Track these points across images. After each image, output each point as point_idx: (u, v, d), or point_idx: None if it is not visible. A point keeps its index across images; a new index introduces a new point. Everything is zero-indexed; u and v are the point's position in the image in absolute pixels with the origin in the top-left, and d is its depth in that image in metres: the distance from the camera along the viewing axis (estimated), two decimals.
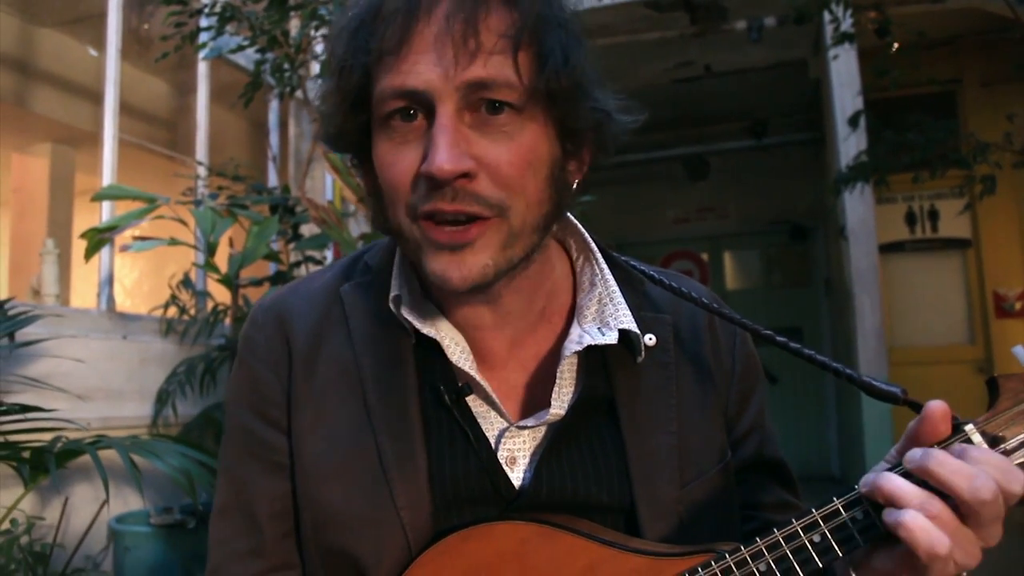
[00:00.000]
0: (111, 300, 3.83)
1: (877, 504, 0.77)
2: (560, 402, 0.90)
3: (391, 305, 0.92)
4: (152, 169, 4.90)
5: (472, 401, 0.92)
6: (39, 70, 4.71)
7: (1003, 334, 7.49)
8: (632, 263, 1.03)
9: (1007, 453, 0.77)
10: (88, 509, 3.21)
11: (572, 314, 0.97)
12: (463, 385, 0.91)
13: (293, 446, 0.94)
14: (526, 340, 0.96)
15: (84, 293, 4.34)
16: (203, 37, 3.72)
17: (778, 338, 0.94)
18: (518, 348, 0.96)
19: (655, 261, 9.64)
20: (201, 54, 4.01)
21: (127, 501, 3.13)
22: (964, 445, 0.76)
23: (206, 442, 3.35)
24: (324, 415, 0.93)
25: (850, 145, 5.82)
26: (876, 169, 5.19)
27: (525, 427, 0.92)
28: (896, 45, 5.38)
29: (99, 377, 3.34)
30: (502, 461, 0.91)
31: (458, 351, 0.91)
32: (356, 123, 0.86)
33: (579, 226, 1.00)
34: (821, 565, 0.78)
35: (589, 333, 0.92)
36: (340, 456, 0.91)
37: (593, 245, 1.00)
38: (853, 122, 5.14)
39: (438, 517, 0.88)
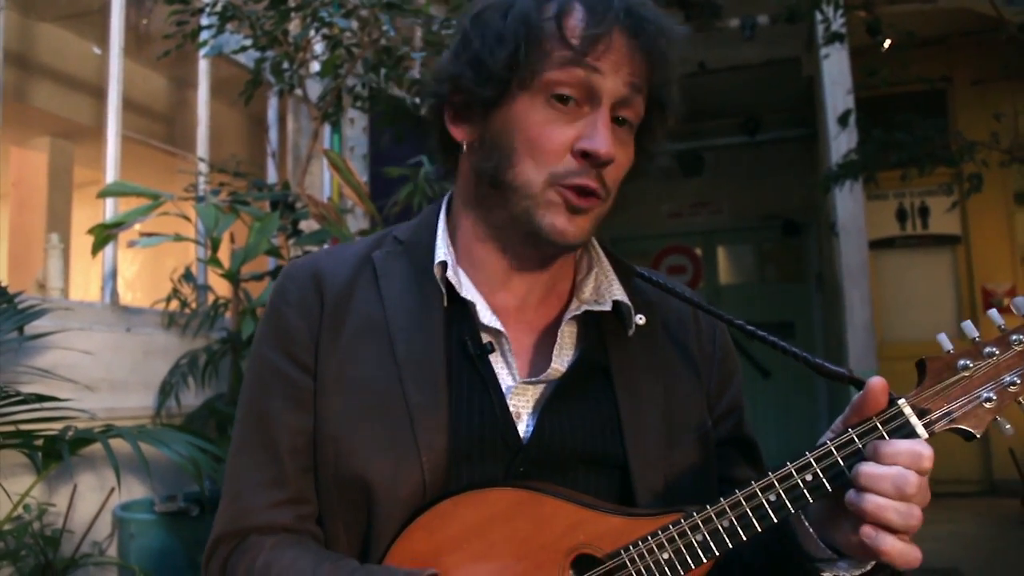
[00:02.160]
0: (115, 294, 3.90)
1: (827, 467, 0.91)
2: (561, 360, 1.04)
3: (436, 271, 1.05)
4: (152, 164, 4.96)
5: (492, 359, 1.03)
6: (38, 65, 4.76)
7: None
8: (626, 262, 1.16)
9: (931, 423, 0.92)
10: (92, 497, 3.28)
11: (573, 292, 1.11)
12: (487, 343, 1.03)
13: (317, 389, 1.02)
14: (540, 310, 1.09)
15: (82, 286, 4.40)
16: (204, 35, 3.78)
17: (746, 327, 1.08)
18: (529, 313, 1.09)
19: (649, 255, 9.75)
20: (202, 52, 4.06)
21: (131, 489, 3.21)
22: (877, 443, 0.89)
23: (208, 432, 3.42)
24: (351, 363, 1.02)
25: (841, 143, 5.91)
26: (865, 167, 5.28)
27: (529, 383, 1.03)
28: (888, 43, 5.46)
29: (104, 369, 3.41)
30: (511, 413, 1.01)
31: (488, 312, 1.03)
32: (503, 84, 1.00)
33: None
34: (776, 519, 0.91)
35: (587, 304, 1.07)
36: (369, 399, 1.00)
37: (592, 237, 1.12)
38: (843, 121, 5.22)
39: (452, 461, 0.97)
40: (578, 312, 1.05)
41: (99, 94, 4.33)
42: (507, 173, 1.00)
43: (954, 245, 7.81)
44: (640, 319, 1.08)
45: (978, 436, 0.92)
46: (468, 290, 1.04)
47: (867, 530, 0.86)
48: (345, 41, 3.63)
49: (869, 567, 0.93)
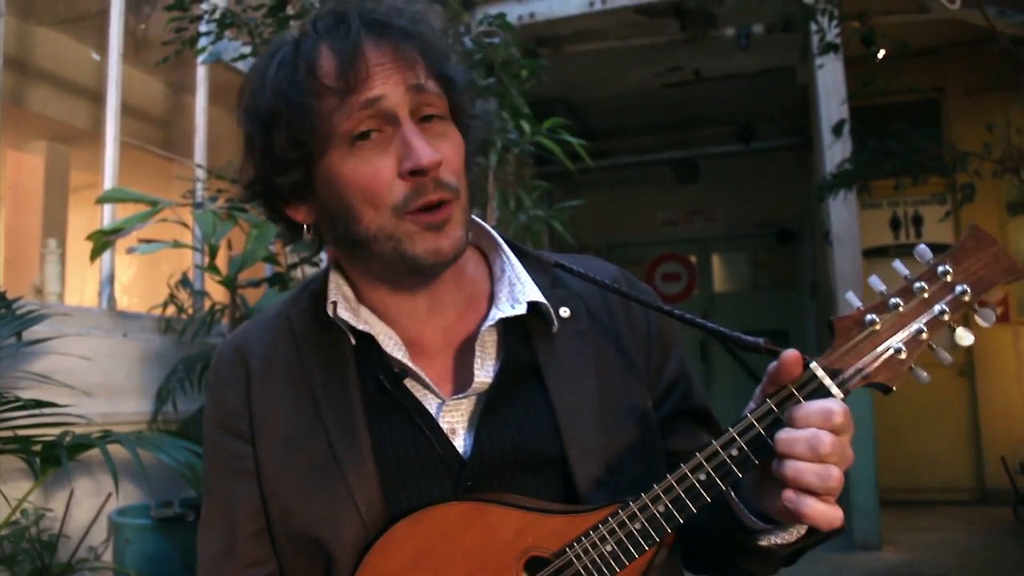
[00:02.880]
0: (112, 299, 3.91)
1: (751, 440, 0.92)
2: (484, 371, 1.05)
3: (328, 310, 1.06)
4: (149, 169, 4.97)
5: (410, 385, 1.05)
6: (35, 69, 4.77)
7: (984, 339, 7.62)
8: (544, 254, 1.17)
9: (845, 381, 0.92)
10: (88, 502, 3.29)
11: (491, 302, 1.12)
12: (399, 371, 1.04)
13: (257, 453, 1.07)
14: (457, 327, 1.10)
15: (77, 290, 4.41)
16: (202, 42, 3.80)
17: (675, 312, 1.11)
18: (450, 335, 1.10)
19: (644, 263, 9.77)
20: (200, 59, 4.08)
21: (127, 495, 3.22)
22: (791, 408, 0.90)
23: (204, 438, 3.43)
24: (280, 419, 1.06)
25: (835, 152, 5.94)
26: (859, 176, 5.31)
27: (458, 399, 1.05)
28: (882, 52, 5.50)
29: (101, 374, 3.42)
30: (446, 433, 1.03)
31: (391, 343, 1.05)
32: (305, 160, 1.00)
33: (487, 227, 1.16)
34: (708, 498, 0.92)
35: (501, 310, 1.07)
36: (296, 452, 1.04)
37: (500, 241, 1.15)
38: (837, 131, 5.26)
39: (387, 493, 1.00)
40: (492, 322, 1.06)
41: (96, 98, 4.34)
42: (357, 229, 1.00)
43: None
44: (565, 311, 1.09)
45: (894, 389, 0.93)
46: (365, 323, 1.06)
47: (788, 494, 0.87)
48: None
49: (802, 532, 0.95)
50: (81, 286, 4.40)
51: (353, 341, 1.07)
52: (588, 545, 0.94)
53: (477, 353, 1.06)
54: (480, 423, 1.03)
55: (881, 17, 5.59)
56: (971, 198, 5.06)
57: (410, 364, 1.04)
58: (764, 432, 0.92)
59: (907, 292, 0.94)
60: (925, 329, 0.93)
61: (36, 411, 2.47)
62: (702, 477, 0.92)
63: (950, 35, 6.85)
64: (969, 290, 0.93)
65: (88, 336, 3.48)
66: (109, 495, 3.17)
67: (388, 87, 0.97)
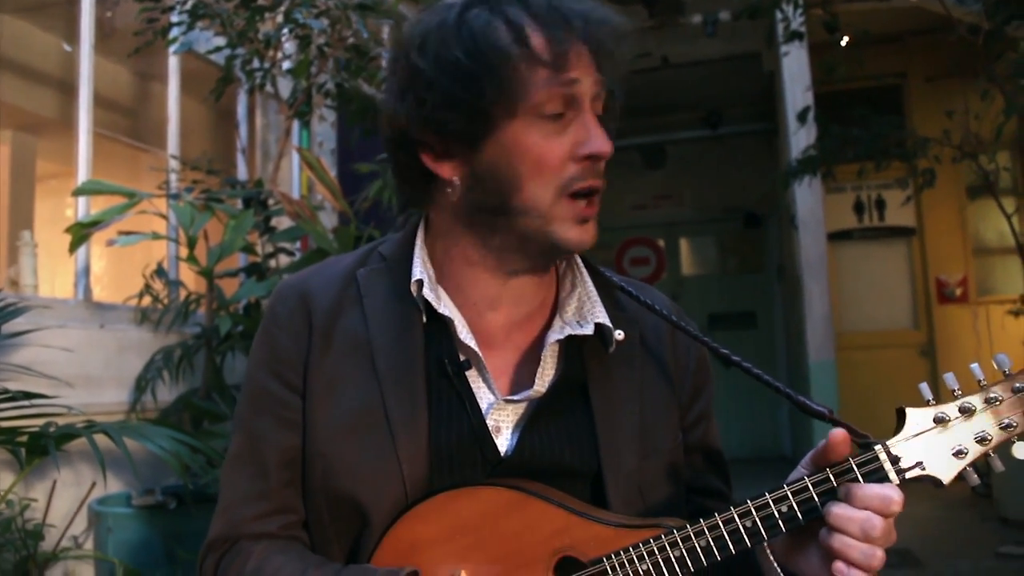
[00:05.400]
0: (88, 290, 3.91)
1: (802, 501, 0.98)
2: (542, 381, 1.08)
3: (412, 287, 1.09)
4: (120, 160, 4.95)
5: (469, 375, 1.08)
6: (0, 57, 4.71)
7: (945, 319, 7.82)
8: (607, 272, 1.21)
9: (903, 470, 0.98)
10: (68, 492, 3.30)
11: (555, 309, 1.15)
12: (464, 360, 1.07)
13: (306, 407, 1.08)
14: (524, 326, 1.13)
15: (48, 281, 4.38)
16: (174, 32, 3.80)
17: (733, 357, 1.14)
18: (515, 332, 1.13)
19: (613, 246, 9.84)
20: (172, 49, 4.08)
21: (107, 483, 3.24)
22: (850, 486, 0.96)
23: (183, 427, 3.46)
24: (338, 381, 1.08)
25: (800, 138, 6.05)
26: (824, 162, 5.42)
27: (511, 401, 1.08)
28: (846, 39, 5.60)
29: (79, 365, 3.43)
30: (489, 429, 1.07)
31: (464, 331, 1.08)
32: (485, 118, 1.02)
33: None
34: (749, 544, 0.98)
35: (570, 325, 1.10)
36: (352, 415, 1.06)
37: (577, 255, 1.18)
38: (801, 118, 5.36)
39: (433, 473, 1.04)
40: (561, 337, 1.09)
41: (63, 87, 4.31)
42: (514, 199, 1.03)
43: (909, 237, 8.02)
44: (619, 335, 1.11)
45: (946, 484, 0.99)
46: (446, 307, 1.08)
47: (839, 566, 0.94)
48: (316, 40, 3.67)
49: None
50: (51, 277, 4.38)
51: (425, 320, 1.10)
52: (625, 560, 0.98)
53: (541, 362, 1.09)
54: (526, 428, 1.07)
55: (843, 4, 5.68)
56: (931, 183, 5.19)
57: (480, 354, 1.08)
58: (817, 498, 0.98)
59: (982, 399, 0.99)
60: (992, 438, 0.98)
61: (21, 403, 2.49)
62: (748, 524, 0.98)
63: (911, 22, 6.98)
64: None
65: (66, 328, 3.49)
66: (93, 484, 3.19)
67: (584, 76, 1.03)
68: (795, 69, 6.49)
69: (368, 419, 1.05)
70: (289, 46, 4.02)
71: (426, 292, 1.08)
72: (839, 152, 5.37)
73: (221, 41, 3.73)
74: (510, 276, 1.10)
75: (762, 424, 8.74)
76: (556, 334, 1.09)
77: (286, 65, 4.00)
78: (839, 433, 0.98)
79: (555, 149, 1.02)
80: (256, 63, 3.95)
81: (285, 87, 4.21)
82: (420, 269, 1.09)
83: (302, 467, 1.09)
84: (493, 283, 1.10)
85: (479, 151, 1.04)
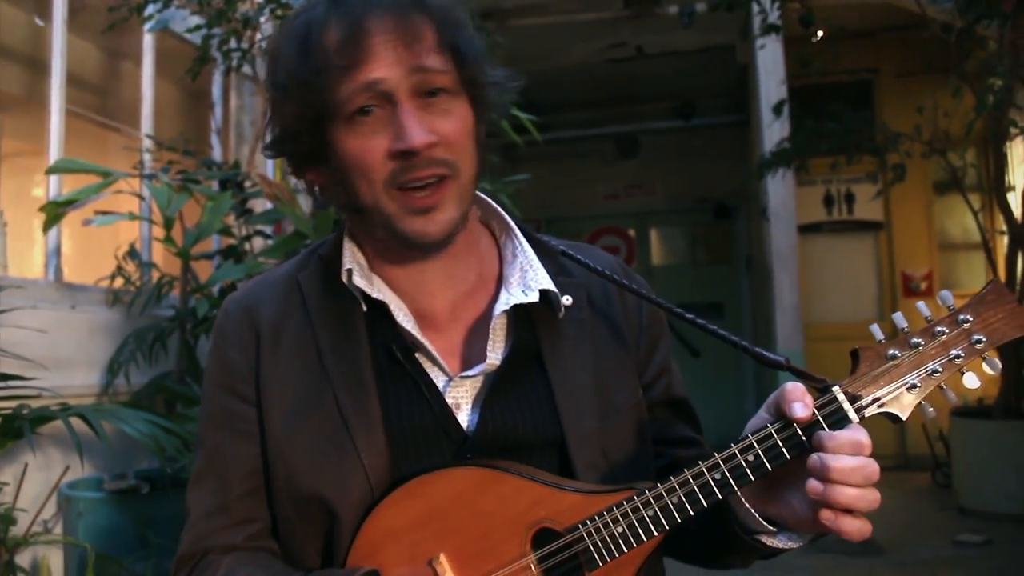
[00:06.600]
0: (59, 271, 3.84)
1: (768, 449, 0.99)
2: (495, 354, 1.08)
3: (343, 277, 1.09)
4: (91, 139, 4.86)
5: (419, 357, 1.08)
6: None
7: (909, 312, 7.93)
8: (548, 239, 1.21)
9: (862, 408, 1.01)
10: (37, 476, 3.26)
11: (500, 282, 1.15)
12: (411, 343, 1.08)
13: (262, 416, 1.09)
14: (466, 303, 1.13)
15: (15, 261, 4.30)
16: (149, 9, 3.74)
17: (675, 308, 1.15)
18: (459, 311, 1.13)
19: (584, 235, 9.88)
20: (147, 26, 4.01)
21: (79, 468, 3.20)
22: (820, 433, 0.96)
23: (156, 409, 3.42)
24: (289, 385, 1.08)
25: (774, 131, 6.10)
26: (797, 155, 5.48)
27: (467, 377, 1.08)
28: (820, 34, 5.66)
29: (49, 347, 3.37)
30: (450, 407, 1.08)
31: (401, 314, 1.08)
32: (315, 130, 1.03)
33: (499, 209, 1.20)
34: (720, 496, 1.00)
35: (514, 295, 1.10)
36: (306, 415, 1.06)
37: (512, 224, 1.18)
38: (777, 110, 5.40)
39: (395, 459, 1.04)
40: (507, 307, 1.09)
41: (31, 64, 4.22)
42: (356, 200, 1.04)
43: (877, 231, 8.12)
44: (567, 300, 1.12)
45: (904, 419, 1.02)
46: (379, 292, 1.09)
47: (827, 514, 0.94)
48: None
49: (808, 539, 1.04)
50: (17, 258, 4.30)
51: (365, 309, 1.10)
52: (600, 524, 0.99)
53: (490, 335, 1.09)
54: (485, 402, 1.08)
55: None
56: (902, 177, 5.27)
57: (420, 337, 1.07)
58: (783, 444, 0.99)
59: (928, 334, 1.02)
60: (941, 370, 1.01)
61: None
62: (717, 476, 0.99)
63: (884, 19, 7.06)
64: (985, 340, 1.01)
65: (37, 309, 3.43)
66: (67, 468, 3.15)
67: (387, 68, 0.99)
68: (770, 62, 6.53)
69: (322, 416, 1.06)
70: (268, 27, 3.97)
71: (356, 280, 1.08)
72: (813, 145, 5.43)
73: (198, 20, 3.68)
74: (419, 262, 1.10)
75: (729, 415, 8.82)
76: (502, 305, 1.10)
77: (266, 45, 3.95)
78: (795, 389, 0.99)
79: (374, 148, 1.01)
80: (233, 43, 3.90)
81: (261, 68, 4.16)
82: (349, 259, 1.10)
83: (265, 475, 1.10)
84: (412, 269, 1.11)
85: (326, 158, 1.05)
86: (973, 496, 5.72)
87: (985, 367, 1.02)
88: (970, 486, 5.79)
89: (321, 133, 1.03)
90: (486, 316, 1.12)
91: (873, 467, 0.94)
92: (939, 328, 1.02)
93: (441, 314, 1.13)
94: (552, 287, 1.11)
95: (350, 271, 1.09)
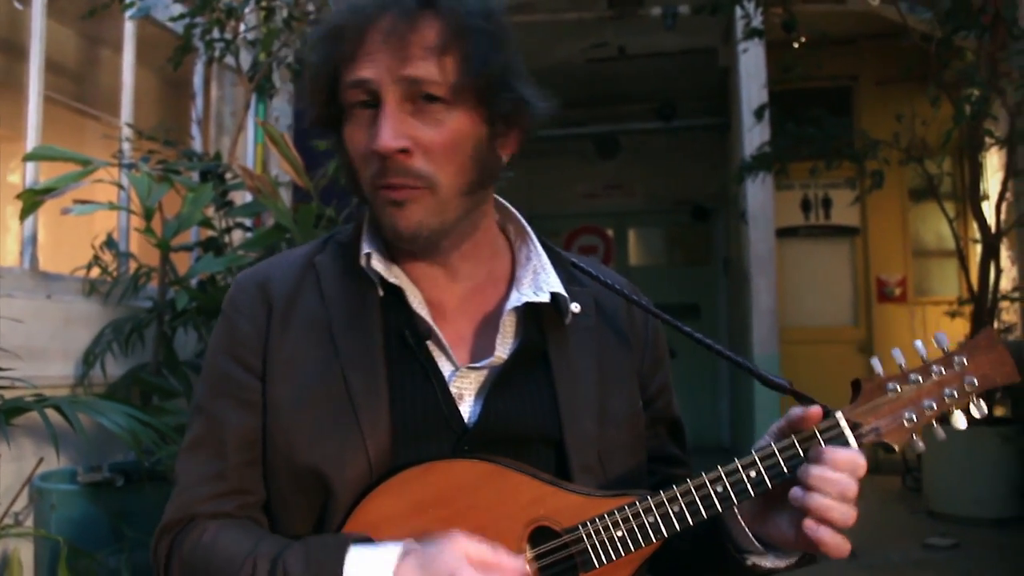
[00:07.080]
0: (34, 259, 3.79)
1: (770, 466, 1.03)
2: (503, 348, 1.11)
3: (362, 261, 1.10)
4: (68, 126, 4.79)
5: (429, 345, 1.09)
6: None
7: (883, 317, 8.03)
8: (562, 252, 1.23)
9: (862, 435, 1.06)
10: (8, 468, 3.21)
11: (511, 282, 1.17)
12: (424, 330, 1.08)
13: (266, 388, 1.09)
14: (475, 298, 1.15)
15: None
16: None
17: (683, 327, 1.20)
18: (468, 304, 1.14)
19: (562, 234, 9.91)
20: (128, 13, 3.97)
21: (51, 460, 3.15)
22: (821, 449, 1.01)
23: (132, 402, 3.37)
24: (298, 360, 1.09)
25: (755, 135, 6.14)
26: (778, 159, 5.52)
27: (473, 368, 1.09)
28: (802, 39, 5.70)
29: (24, 336, 3.32)
30: (454, 397, 1.09)
31: (416, 300, 1.10)
32: (330, 112, 1.07)
33: (517, 214, 1.22)
34: (720, 509, 1.02)
35: (525, 294, 1.12)
36: (313, 391, 1.07)
37: (529, 229, 1.20)
38: (758, 114, 5.44)
39: (397, 443, 1.04)
40: (519, 304, 1.11)
41: (8, 49, 4.16)
42: (355, 186, 1.09)
43: (853, 236, 8.21)
44: (576, 307, 1.14)
45: (897, 450, 1.07)
46: (396, 277, 1.10)
47: (809, 523, 0.97)
48: (281, 13, 3.61)
49: (795, 559, 1.07)
50: None
51: (381, 293, 1.11)
52: (600, 527, 1.01)
53: (500, 330, 1.11)
54: (489, 395, 1.09)
55: (801, 4, 5.78)
56: (880, 184, 5.32)
57: (433, 325, 1.08)
58: (784, 463, 1.03)
59: (926, 372, 1.08)
60: (935, 407, 1.07)
61: None
62: (719, 489, 1.02)
63: (865, 26, 7.13)
64: (976, 383, 1.08)
65: (12, 297, 3.37)
66: (41, 460, 3.10)
67: (374, 69, 1.00)
68: (752, 66, 6.58)
69: (329, 394, 1.06)
70: (252, 18, 3.94)
71: (375, 263, 1.09)
72: (793, 150, 5.48)
73: (181, 8, 3.64)
74: (426, 257, 1.12)
75: (704, 416, 8.89)
76: (513, 302, 1.11)
77: (250, 36, 3.92)
78: (817, 410, 1.04)
79: (359, 143, 1.04)
80: (216, 33, 3.87)
81: (244, 59, 4.13)
82: (368, 243, 1.12)
83: (263, 448, 1.09)
84: (420, 262, 1.13)
85: (341, 144, 1.09)
86: (943, 500, 5.80)
87: (972, 409, 1.08)
88: (940, 490, 5.86)
89: (336, 120, 1.07)
90: (496, 312, 1.14)
91: (851, 485, 0.98)
92: (936, 368, 1.08)
93: (451, 305, 1.14)
94: (563, 291, 1.13)
95: (369, 255, 1.10)
